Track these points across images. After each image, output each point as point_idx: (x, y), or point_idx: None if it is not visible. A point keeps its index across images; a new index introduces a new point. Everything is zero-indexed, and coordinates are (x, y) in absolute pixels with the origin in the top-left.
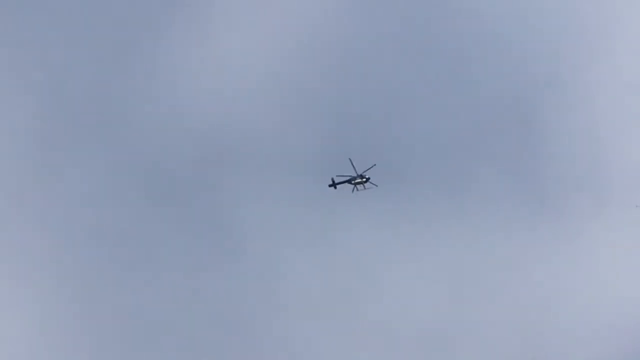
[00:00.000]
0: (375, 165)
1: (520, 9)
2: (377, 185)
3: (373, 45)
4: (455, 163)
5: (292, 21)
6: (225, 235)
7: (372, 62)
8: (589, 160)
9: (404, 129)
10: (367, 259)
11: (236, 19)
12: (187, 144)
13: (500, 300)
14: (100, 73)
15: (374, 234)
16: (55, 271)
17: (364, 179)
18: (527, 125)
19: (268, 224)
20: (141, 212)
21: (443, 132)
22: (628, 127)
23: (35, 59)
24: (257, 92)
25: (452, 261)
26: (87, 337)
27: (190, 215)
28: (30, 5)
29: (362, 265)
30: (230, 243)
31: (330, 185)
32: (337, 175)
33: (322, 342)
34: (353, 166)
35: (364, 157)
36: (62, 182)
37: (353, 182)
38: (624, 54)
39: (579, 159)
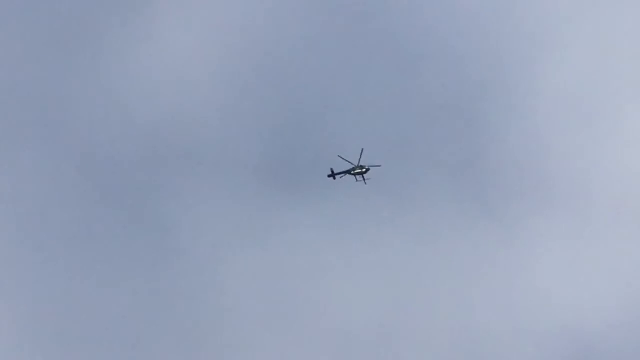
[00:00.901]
0: (381, 166)
1: (461, 15)
2: (380, 165)
3: (313, 45)
4: (397, 166)
5: (230, 21)
6: (162, 234)
7: (313, 63)
8: (531, 165)
9: (346, 131)
10: (307, 260)
11: (176, 19)
12: (126, 143)
13: (440, 303)
14: (37, 72)
15: (315, 236)
16: None
17: (364, 169)
18: (468, 129)
19: (206, 224)
20: (79, 211)
21: (384, 135)
22: (569, 133)
23: None
24: (196, 92)
25: (392, 263)
26: (19, 337)
27: (128, 215)
28: None
29: (301, 266)
30: (167, 242)
31: (329, 176)
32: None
33: (258, 342)
34: (347, 160)
35: (304, 158)
36: None
37: (353, 172)
38: (565, 60)
39: (520, 164)
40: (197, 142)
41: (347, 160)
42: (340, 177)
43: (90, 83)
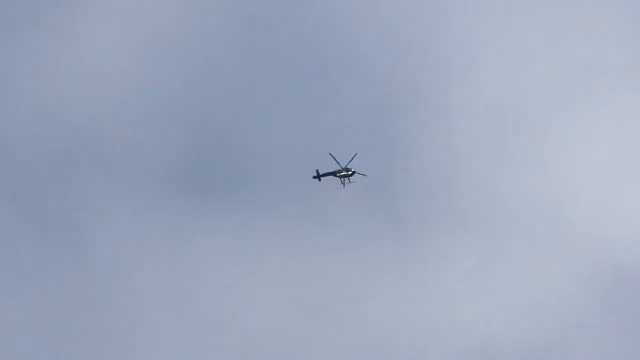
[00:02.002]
0: (357, 154)
1: (377, 28)
2: (365, 175)
3: (232, 51)
4: (306, 178)
5: (146, 22)
6: (73, 237)
7: (232, 66)
8: (443, 183)
9: (260, 138)
10: (220, 266)
11: (90, 18)
12: (39, 144)
13: (347, 317)
14: None
15: (228, 241)
16: None
17: (350, 172)
18: (381, 142)
19: (118, 228)
20: None
21: (300, 146)
22: (483, 152)
23: None
24: (107, 95)
25: (303, 274)
26: None
27: (40, 218)
28: None
29: (208, 271)
30: (79, 245)
31: (314, 177)
32: (336, 163)
33: (165, 343)
34: (336, 160)
35: (221, 162)
36: None
37: (338, 174)
38: (480, 80)
39: (434, 181)
40: (111, 144)
41: (336, 161)
42: (340, 179)
43: (0, 82)
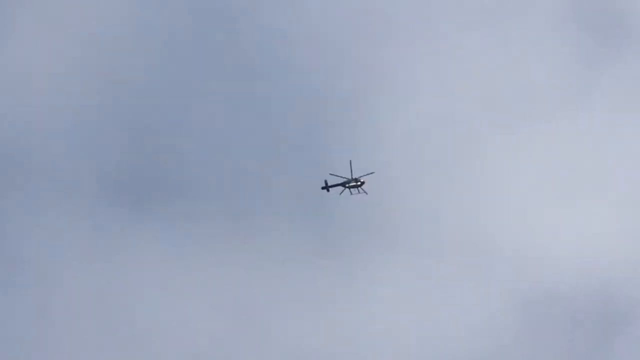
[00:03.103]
0: (374, 172)
1: (304, 50)
2: (367, 193)
3: (162, 59)
4: (236, 193)
5: (79, 28)
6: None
7: (166, 74)
8: (375, 203)
9: (189, 152)
10: (146, 276)
11: (22, 22)
12: None
13: (273, 336)
14: None
15: (154, 254)
16: None
17: (359, 183)
18: (311, 159)
19: (43, 238)
20: None
21: (232, 163)
22: (416, 172)
23: None
24: (37, 102)
25: (230, 289)
26: None
27: None
28: None
29: (138, 283)
30: (4, 254)
31: (323, 188)
32: (332, 175)
33: (93, 350)
34: (351, 169)
35: (152, 172)
36: None
37: (347, 185)
38: (412, 99)
39: (365, 201)
40: (41, 152)
41: (339, 176)
42: (340, 193)
43: None
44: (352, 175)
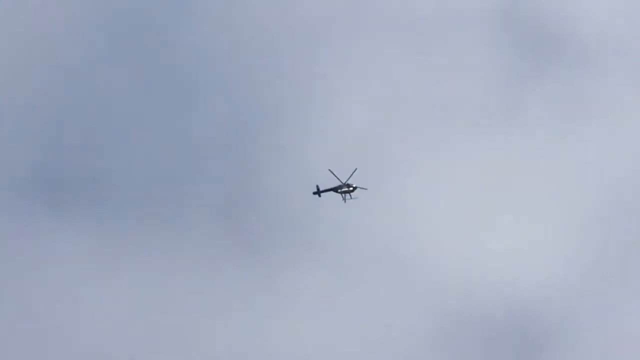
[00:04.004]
0: (356, 169)
1: (241, 56)
2: (366, 188)
3: (83, 60)
4: (164, 199)
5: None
6: None
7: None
8: (298, 213)
9: (112, 155)
10: (63, 279)
11: None
12: None
13: (195, 338)
14: None
15: (75, 256)
16: None
17: (351, 188)
18: (239, 168)
19: None
20: None
21: (156, 169)
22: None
23: None
24: None
25: (152, 289)
26: None
27: None
28: None
29: (57, 284)
30: None
31: (314, 193)
32: (329, 170)
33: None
34: (336, 176)
35: (72, 172)
36: None
37: (339, 190)
38: (338, 107)
39: (288, 210)
40: None
41: (336, 176)
42: (341, 194)
43: None
44: (347, 180)
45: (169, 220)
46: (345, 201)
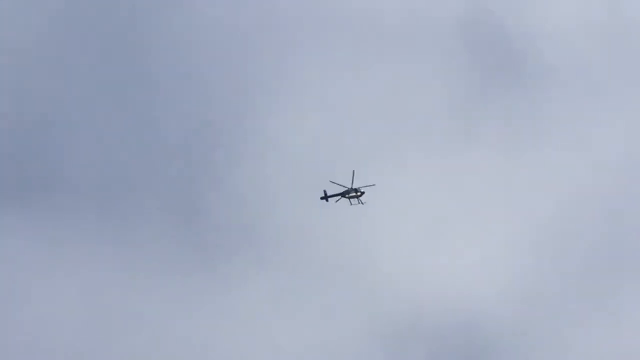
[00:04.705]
0: (374, 184)
1: (191, 59)
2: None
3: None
4: (120, 202)
5: None
6: None
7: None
8: (250, 218)
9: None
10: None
11: None
12: None
13: (134, 337)
14: None
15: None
16: None
17: (359, 193)
18: (189, 170)
19: None
20: None
21: (109, 173)
22: (289, 194)
23: None
24: None
25: (99, 299)
26: None
27: None
28: None
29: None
30: None
31: (322, 198)
32: (331, 182)
33: None
34: (353, 179)
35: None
36: None
37: (347, 195)
38: (292, 113)
39: (243, 216)
40: None
41: (340, 185)
42: (336, 201)
43: None
44: (352, 184)
45: (123, 223)
46: (351, 204)
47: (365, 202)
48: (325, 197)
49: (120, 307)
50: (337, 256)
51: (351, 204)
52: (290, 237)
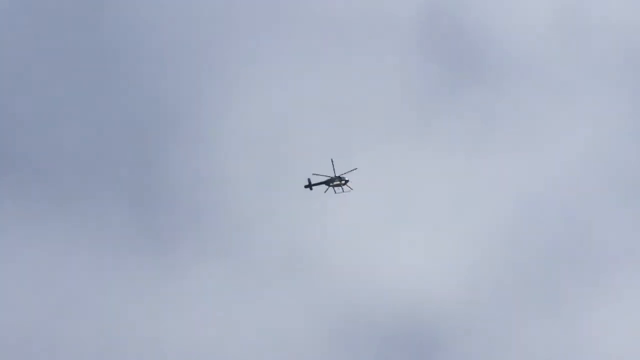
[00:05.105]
0: (356, 168)
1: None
2: (352, 189)
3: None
4: (72, 186)
5: None
6: None
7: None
8: (208, 199)
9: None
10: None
11: None
12: None
13: (96, 333)
14: None
15: None
16: None
17: (343, 181)
18: (149, 159)
19: None
20: None
21: (69, 151)
22: (251, 182)
23: None
24: None
25: (48, 283)
26: None
27: None
28: None
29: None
30: None
31: (306, 186)
32: (314, 174)
33: None
34: (333, 168)
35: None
36: None
37: (331, 184)
38: (253, 99)
39: (198, 198)
40: None
41: (322, 175)
42: (325, 191)
43: None
44: (335, 173)
45: (72, 204)
46: (336, 192)
47: (352, 189)
48: (310, 186)
49: (64, 289)
50: (288, 248)
51: (335, 192)
52: (242, 226)
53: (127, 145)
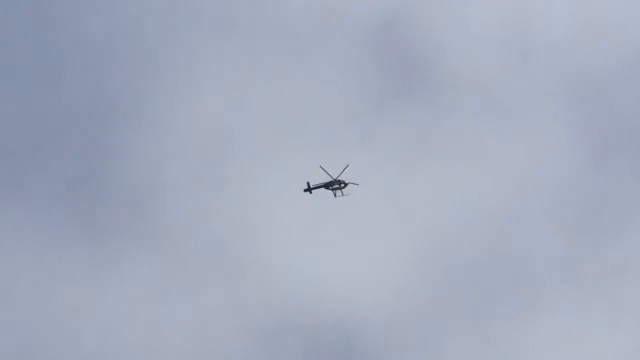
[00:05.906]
0: (348, 165)
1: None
2: (357, 184)
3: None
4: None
5: None
6: None
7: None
8: (145, 195)
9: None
10: None
11: None
12: None
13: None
14: None
15: None
16: None
17: (342, 184)
18: (89, 150)
19: None
20: None
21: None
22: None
23: None
24: None
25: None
26: None
27: None
28: None
29: None
30: None
31: (305, 190)
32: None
33: None
34: (327, 172)
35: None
36: None
37: (330, 187)
38: (200, 100)
39: (135, 194)
40: None
41: (327, 172)
42: (332, 191)
43: None
44: (338, 176)
45: (11, 190)
46: (335, 196)
47: (349, 194)
48: (309, 190)
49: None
50: (221, 249)
51: (335, 195)
52: (177, 225)
53: (64, 138)
